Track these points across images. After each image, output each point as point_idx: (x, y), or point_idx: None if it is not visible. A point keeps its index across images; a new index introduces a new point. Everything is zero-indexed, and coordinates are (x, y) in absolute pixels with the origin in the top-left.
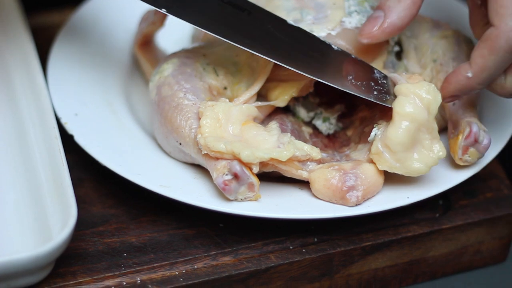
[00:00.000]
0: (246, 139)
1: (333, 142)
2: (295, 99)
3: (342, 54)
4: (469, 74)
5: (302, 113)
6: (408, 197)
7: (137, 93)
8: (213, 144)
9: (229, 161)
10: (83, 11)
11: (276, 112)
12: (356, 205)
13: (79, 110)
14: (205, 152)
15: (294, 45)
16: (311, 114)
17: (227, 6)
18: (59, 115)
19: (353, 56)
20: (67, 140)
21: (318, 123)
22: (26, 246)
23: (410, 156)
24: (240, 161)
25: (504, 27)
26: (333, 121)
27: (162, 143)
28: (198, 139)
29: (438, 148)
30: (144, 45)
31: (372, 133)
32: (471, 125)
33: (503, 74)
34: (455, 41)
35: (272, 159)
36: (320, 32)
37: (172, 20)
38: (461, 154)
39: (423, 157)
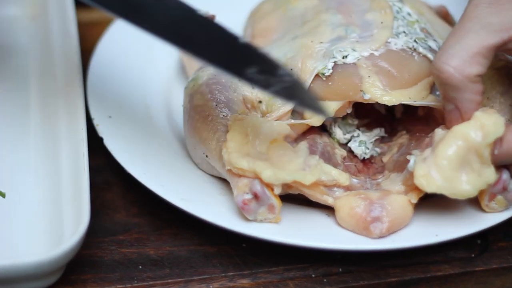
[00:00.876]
0: (272, 158)
1: (367, 168)
2: (332, 119)
3: (249, 47)
4: (496, 151)
5: (338, 134)
6: (436, 235)
7: (179, 99)
8: (236, 161)
9: (251, 179)
10: None
11: (310, 131)
12: (380, 237)
13: (114, 112)
14: (228, 167)
15: (200, 34)
16: (348, 136)
17: None
18: (93, 116)
19: (260, 51)
20: (101, 142)
21: (354, 146)
22: (38, 248)
23: (458, 176)
24: (262, 180)
25: None
26: (370, 145)
27: (191, 153)
28: (222, 153)
29: (488, 173)
30: None
31: (411, 161)
32: (501, 172)
33: None
34: (506, 73)
35: (295, 181)
36: (362, 51)
37: None
38: (488, 201)
39: (471, 179)
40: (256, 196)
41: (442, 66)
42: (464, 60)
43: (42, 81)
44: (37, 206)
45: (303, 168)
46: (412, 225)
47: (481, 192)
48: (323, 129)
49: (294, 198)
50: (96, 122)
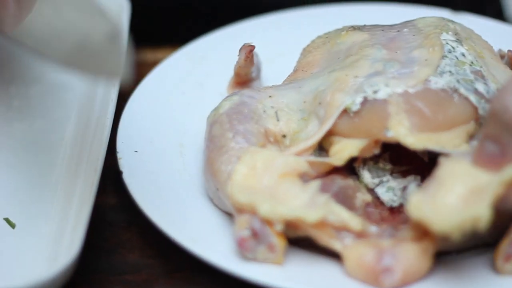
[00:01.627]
0: (276, 194)
1: (394, 217)
2: (363, 162)
3: None
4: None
5: (366, 177)
6: None
7: None
8: (236, 195)
9: (252, 215)
10: (187, 50)
11: (335, 172)
12: None
13: (142, 147)
14: (231, 202)
15: None
16: (376, 180)
17: None
18: (118, 149)
19: None
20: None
21: (381, 191)
22: (34, 272)
23: (447, 204)
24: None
25: None
26: (398, 192)
27: (206, 187)
28: (227, 186)
29: (483, 209)
30: (238, 85)
31: (412, 185)
32: None
33: None
34: None
35: (298, 219)
36: (396, 87)
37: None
38: (502, 262)
39: (458, 208)
40: (255, 233)
41: (510, 105)
42: None
43: (81, 115)
44: (42, 239)
45: (308, 205)
46: (438, 279)
47: (496, 251)
48: (353, 172)
49: (310, 247)
50: (119, 155)
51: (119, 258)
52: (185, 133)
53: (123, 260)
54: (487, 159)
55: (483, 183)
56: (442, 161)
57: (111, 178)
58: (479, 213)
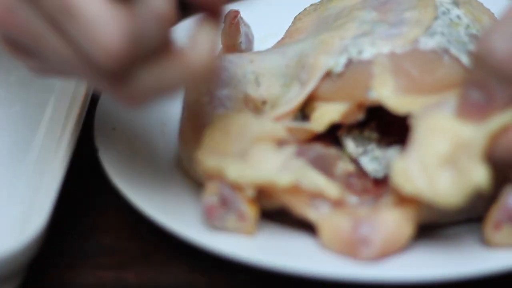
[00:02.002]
0: (248, 158)
1: (377, 189)
2: (348, 131)
3: None
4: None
5: (350, 146)
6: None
7: None
8: (206, 160)
9: (222, 182)
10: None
11: (317, 141)
12: (371, 260)
13: (121, 124)
14: (201, 168)
15: None
16: (360, 149)
17: None
18: (96, 126)
19: None
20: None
21: (365, 161)
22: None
23: (440, 175)
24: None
25: None
26: (384, 162)
27: (181, 158)
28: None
29: (475, 171)
30: None
31: (393, 149)
32: (506, 195)
33: None
34: None
35: (269, 183)
36: (382, 47)
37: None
38: (492, 231)
39: (454, 178)
40: (223, 200)
41: (496, 46)
42: None
43: (60, 98)
44: (10, 219)
45: (280, 169)
46: (425, 251)
47: (485, 220)
48: (337, 144)
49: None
50: (97, 133)
51: (93, 241)
52: (168, 111)
53: (97, 243)
54: (472, 109)
55: (467, 137)
56: (417, 117)
57: (92, 161)
58: (476, 174)
